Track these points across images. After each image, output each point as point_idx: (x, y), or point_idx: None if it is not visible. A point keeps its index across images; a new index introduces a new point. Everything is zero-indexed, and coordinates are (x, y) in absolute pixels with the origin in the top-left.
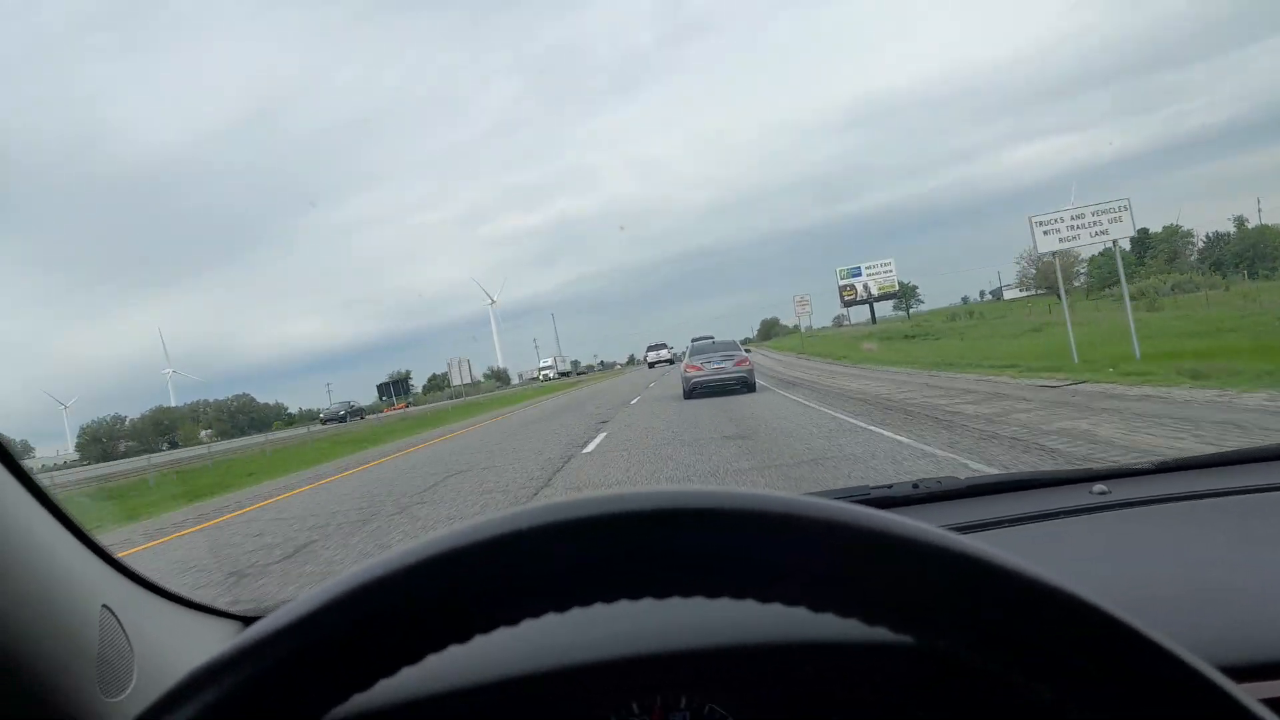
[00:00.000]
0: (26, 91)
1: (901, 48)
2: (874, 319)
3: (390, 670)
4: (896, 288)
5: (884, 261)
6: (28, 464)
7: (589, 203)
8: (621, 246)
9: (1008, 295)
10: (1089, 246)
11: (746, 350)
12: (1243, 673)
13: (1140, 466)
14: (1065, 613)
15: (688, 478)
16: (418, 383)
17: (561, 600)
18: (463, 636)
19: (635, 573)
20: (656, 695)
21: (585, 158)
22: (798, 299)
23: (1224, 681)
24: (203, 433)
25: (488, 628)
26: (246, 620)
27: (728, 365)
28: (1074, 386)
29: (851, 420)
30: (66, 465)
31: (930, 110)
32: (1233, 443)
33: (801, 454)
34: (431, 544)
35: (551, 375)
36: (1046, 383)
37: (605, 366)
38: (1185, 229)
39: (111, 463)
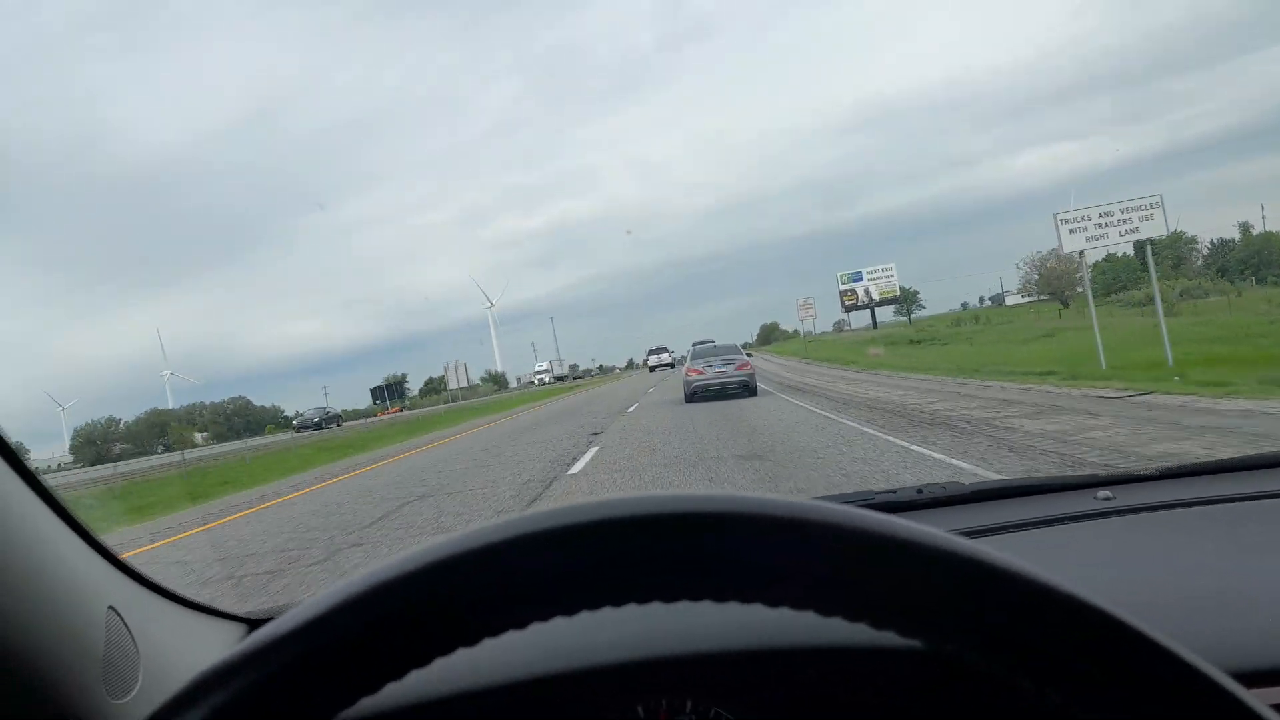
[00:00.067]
0: (26, 91)
1: (902, 52)
2: (875, 324)
3: (399, 673)
4: (898, 293)
5: (885, 266)
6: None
7: (589, 205)
8: (621, 250)
9: (1010, 301)
10: (1118, 246)
11: (748, 354)
12: (1248, 679)
13: (1145, 472)
14: (1073, 616)
15: None
16: (415, 386)
17: (570, 604)
18: (471, 640)
19: (644, 576)
20: (662, 699)
21: (585, 160)
22: (801, 302)
23: (1232, 685)
24: (198, 435)
25: (496, 631)
26: (252, 623)
27: (729, 369)
28: (1140, 398)
29: (886, 437)
30: (61, 469)
31: (931, 115)
32: None
33: (838, 482)
34: (441, 547)
35: (547, 380)
36: (1103, 393)
37: (604, 371)
38: (1189, 235)
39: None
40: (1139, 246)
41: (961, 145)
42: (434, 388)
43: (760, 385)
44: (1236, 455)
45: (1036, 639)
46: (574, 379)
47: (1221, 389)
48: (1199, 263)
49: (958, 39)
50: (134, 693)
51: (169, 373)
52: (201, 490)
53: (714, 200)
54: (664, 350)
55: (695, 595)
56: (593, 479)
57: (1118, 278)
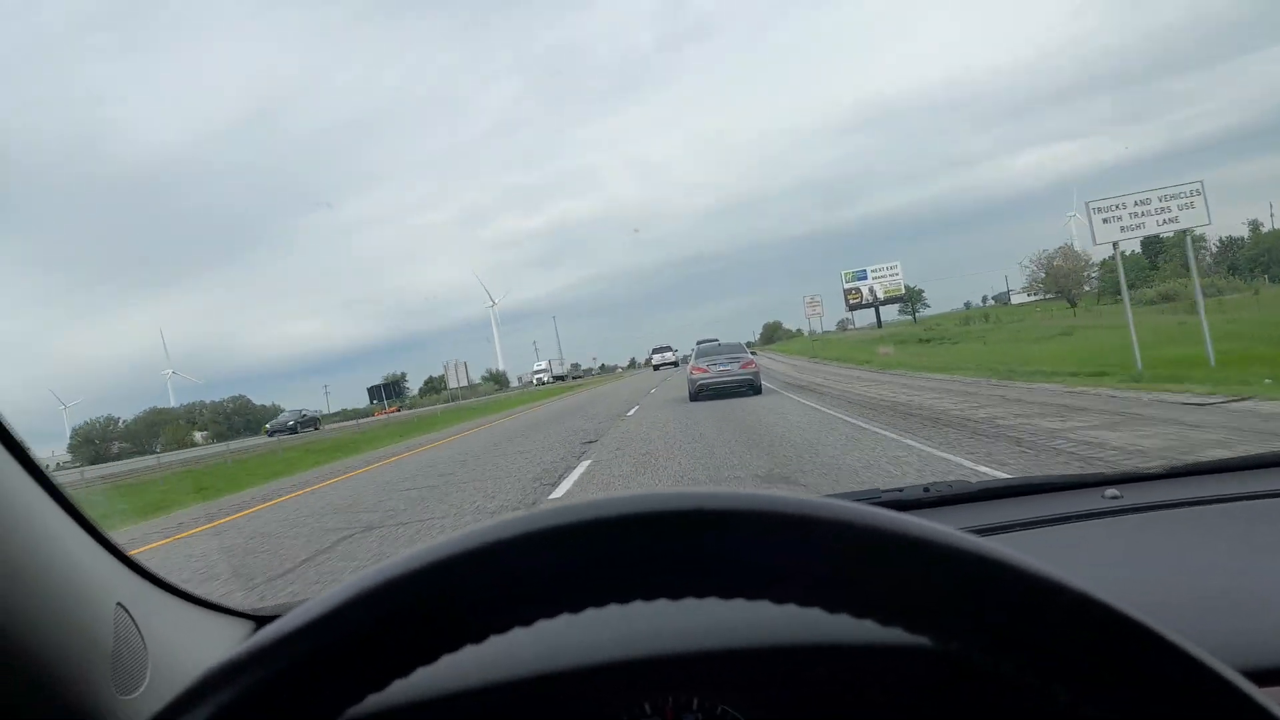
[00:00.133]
0: (27, 91)
1: (902, 52)
2: (880, 323)
3: (405, 670)
4: (902, 291)
5: (890, 265)
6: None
7: (589, 205)
8: (622, 250)
9: (1015, 300)
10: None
11: (752, 353)
12: (1259, 677)
13: (1152, 471)
14: (1082, 613)
15: None
16: (416, 385)
17: (577, 601)
18: (478, 637)
19: (655, 574)
20: (669, 696)
21: (586, 160)
22: (809, 299)
23: (1242, 681)
24: (198, 435)
25: (503, 628)
26: (260, 620)
27: (733, 368)
28: (1238, 405)
29: (938, 453)
30: (60, 467)
31: (931, 115)
32: None
33: None
34: (448, 545)
35: (545, 379)
36: (1184, 398)
37: (605, 370)
38: (1198, 233)
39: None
40: (1146, 244)
41: (961, 145)
42: (434, 387)
43: (771, 385)
44: (1246, 454)
45: (1046, 635)
46: (573, 378)
47: None
48: (1208, 261)
49: (958, 39)
50: (142, 689)
51: (170, 371)
52: (156, 502)
53: (714, 200)
54: (668, 349)
55: (702, 592)
56: None
57: (1126, 275)
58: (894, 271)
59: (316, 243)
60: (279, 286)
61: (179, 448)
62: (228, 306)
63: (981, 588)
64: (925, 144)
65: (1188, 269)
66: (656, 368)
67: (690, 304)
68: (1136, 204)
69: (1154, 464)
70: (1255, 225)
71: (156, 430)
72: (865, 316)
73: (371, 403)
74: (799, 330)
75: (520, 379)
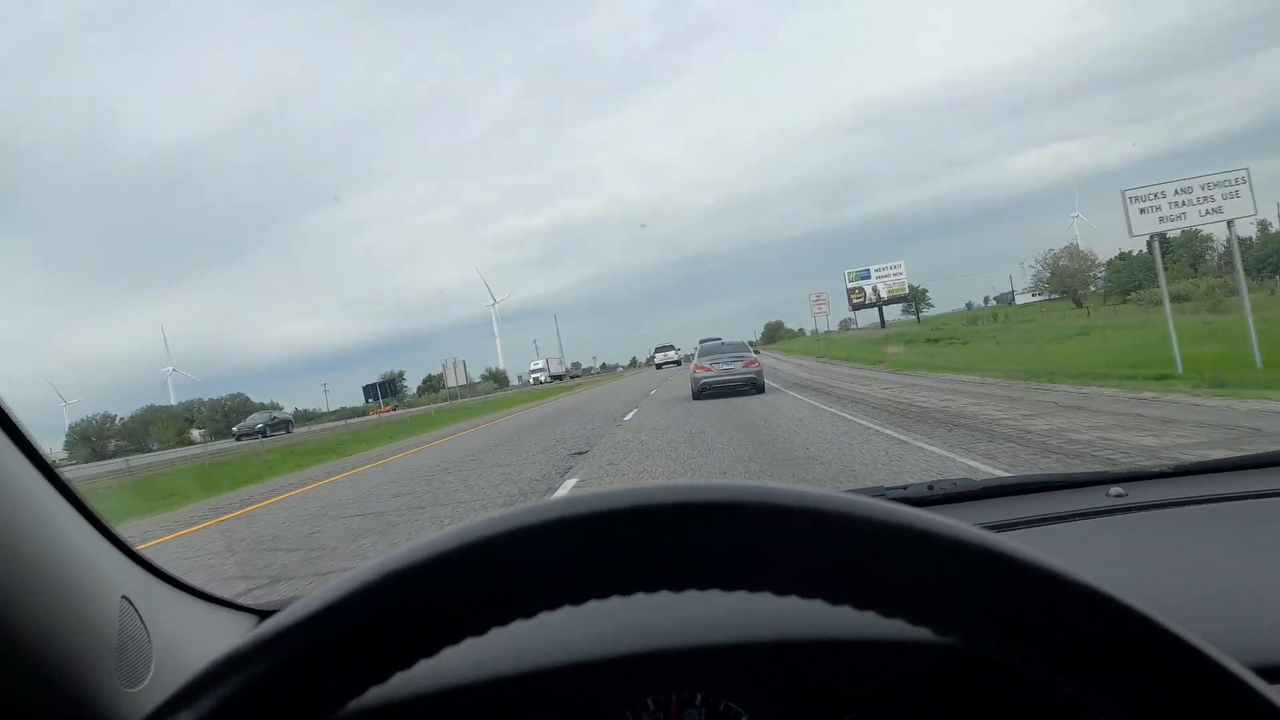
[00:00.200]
0: (27, 91)
1: (902, 52)
2: (883, 322)
3: (407, 663)
4: (906, 290)
5: (894, 264)
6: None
7: (590, 205)
8: (622, 249)
9: (1019, 300)
10: (1200, 227)
11: (755, 352)
12: (1260, 675)
13: (1158, 469)
14: (1088, 606)
15: None
16: (415, 383)
17: (579, 594)
18: (479, 630)
19: (656, 566)
20: (672, 691)
21: (587, 159)
22: (814, 297)
23: (1248, 675)
24: (195, 432)
25: (504, 621)
26: (263, 614)
27: (736, 366)
28: None
29: (997, 471)
30: (56, 465)
31: (931, 115)
32: None
33: None
34: (449, 538)
35: (543, 378)
36: None
37: (606, 369)
38: (1204, 233)
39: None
40: (1150, 242)
41: (962, 145)
42: (433, 385)
43: (777, 385)
44: (1251, 453)
45: (1052, 628)
46: (572, 377)
47: None
48: (1215, 261)
49: (958, 39)
50: (146, 681)
51: (171, 369)
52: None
53: (715, 200)
54: (671, 348)
55: (705, 585)
56: None
57: (1134, 276)
58: (897, 271)
59: (317, 242)
60: (279, 286)
61: (177, 445)
62: (227, 306)
63: (987, 580)
64: (925, 144)
65: (1196, 269)
66: (659, 366)
67: (691, 304)
68: (1177, 193)
69: (1159, 463)
70: (1264, 225)
71: (153, 428)
72: (866, 316)
73: (367, 401)
74: (801, 330)
75: (520, 378)
